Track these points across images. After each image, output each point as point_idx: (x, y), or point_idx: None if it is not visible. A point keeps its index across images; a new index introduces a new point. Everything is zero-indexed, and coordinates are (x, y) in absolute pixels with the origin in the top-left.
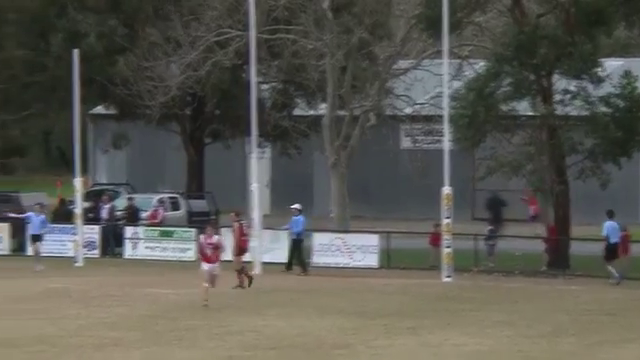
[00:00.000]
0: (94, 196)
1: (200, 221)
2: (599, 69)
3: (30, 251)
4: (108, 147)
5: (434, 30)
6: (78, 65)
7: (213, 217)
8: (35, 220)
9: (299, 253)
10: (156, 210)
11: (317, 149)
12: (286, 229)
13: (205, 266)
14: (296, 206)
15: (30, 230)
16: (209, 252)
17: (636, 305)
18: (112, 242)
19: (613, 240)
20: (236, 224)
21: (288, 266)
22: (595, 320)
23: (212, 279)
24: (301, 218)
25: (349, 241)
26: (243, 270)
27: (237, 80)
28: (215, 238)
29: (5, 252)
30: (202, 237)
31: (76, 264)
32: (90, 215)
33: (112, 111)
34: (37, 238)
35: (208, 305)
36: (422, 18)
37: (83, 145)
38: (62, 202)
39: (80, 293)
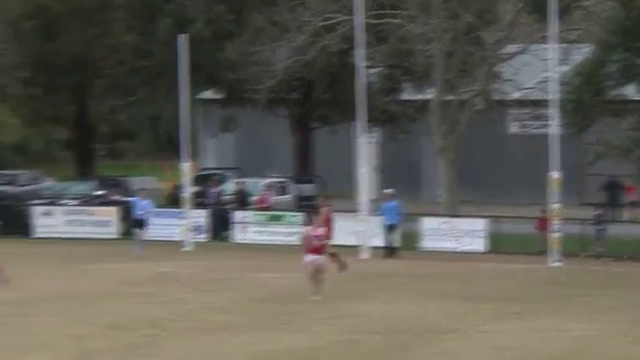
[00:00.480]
0: (202, 180)
1: (309, 205)
2: None
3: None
4: (216, 132)
5: (541, 14)
6: (186, 50)
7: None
8: (139, 205)
9: (390, 237)
10: (265, 194)
11: (425, 134)
12: (379, 214)
13: (310, 258)
14: (389, 191)
15: (135, 215)
16: (315, 243)
17: None
18: (220, 226)
19: None
20: (324, 209)
21: (387, 252)
22: None
23: (317, 272)
24: (395, 203)
25: (457, 225)
26: (336, 253)
27: (344, 64)
28: (322, 230)
29: (114, 236)
30: (308, 228)
31: (184, 248)
32: (198, 199)
33: (220, 96)
34: (141, 223)
35: (318, 299)
36: (529, 2)
37: (192, 130)
38: (175, 187)
39: (188, 277)
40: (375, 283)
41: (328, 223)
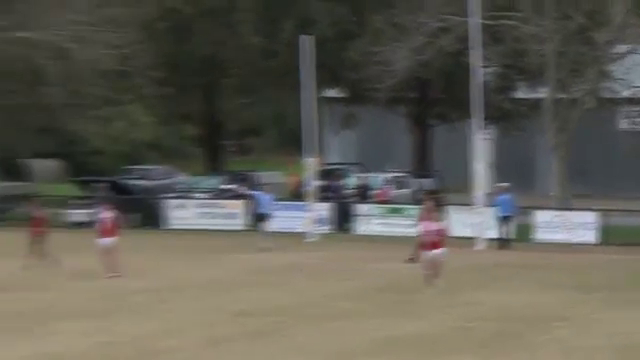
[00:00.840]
0: (326, 175)
1: (428, 198)
2: None
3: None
4: (339, 129)
5: None
6: (311, 51)
7: (433, 195)
8: (263, 199)
9: (504, 229)
10: (385, 188)
11: (538, 131)
12: (493, 206)
13: (427, 253)
14: (505, 185)
15: (258, 209)
16: (432, 239)
17: None
18: (342, 218)
19: None
20: (428, 203)
21: (502, 243)
22: None
23: (435, 266)
24: (509, 196)
25: (569, 218)
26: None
27: (460, 64)
28: (436, 224)
29: (241, 227)
30: (422, 224)
31: (307, 240)
32: (323, 193)
33: (343, 94)
34: (264, 217)
35: (436, 292)
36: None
37: (317, 127)
38: (299, 181)
39: (312, 267)
40: (490, 273)
41: (432, 217)
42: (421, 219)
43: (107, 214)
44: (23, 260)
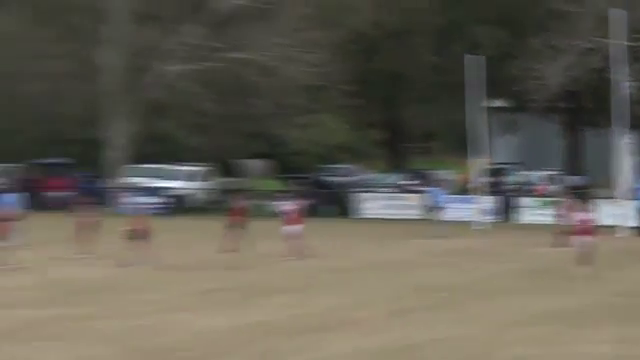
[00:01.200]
0: (493, 173)
1: (579, 193)
2: None
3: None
4: (503, 133)
5: None
6: (478, 68)
7: (577, 190)
8: (437, 194)
9: None
10: (543, 184)
11: None
12: (635, 199)
13: (579, 239)
14: None
15: (432, 202)
16: (580, 228)
17: None
18: (506, 210)
19: None
20: (567, 199)
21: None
22: None
23: (584, 252)
24: None
25: None
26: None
27: (603, 79)
28: (583, 214)
29: (418, 217)
30: (568, 214)
31: (475, 228)
32: (490, 188)
33: (507, 104)
34: (437, 209)
35: (590, 271)
36: None
37: (487, 132)
38: (467, 179)
39: (478, 251)
40: (630, 256)
41: (579, 208)
42: (566, 210)
43: (292, 206)
44: (229, 244)
